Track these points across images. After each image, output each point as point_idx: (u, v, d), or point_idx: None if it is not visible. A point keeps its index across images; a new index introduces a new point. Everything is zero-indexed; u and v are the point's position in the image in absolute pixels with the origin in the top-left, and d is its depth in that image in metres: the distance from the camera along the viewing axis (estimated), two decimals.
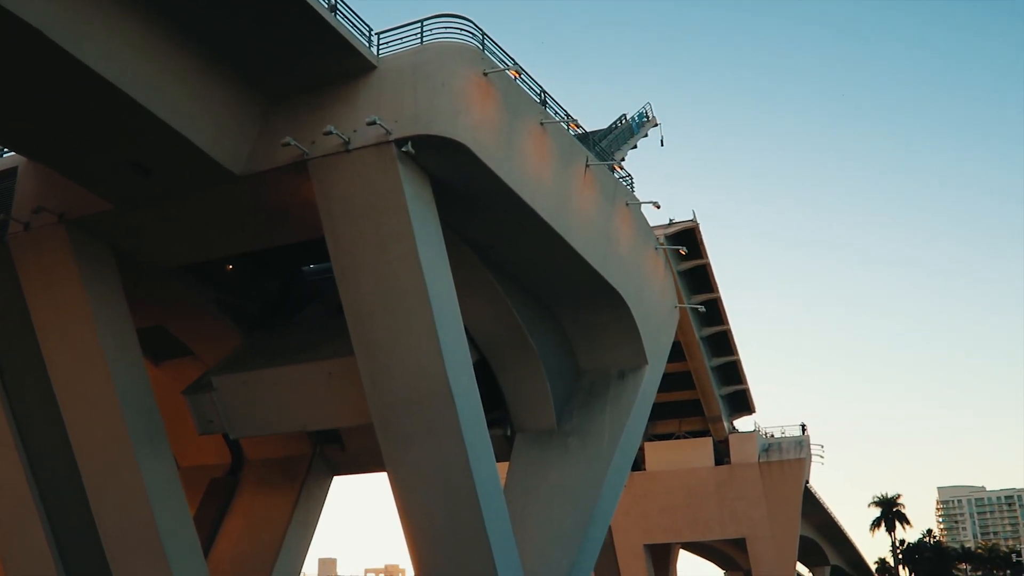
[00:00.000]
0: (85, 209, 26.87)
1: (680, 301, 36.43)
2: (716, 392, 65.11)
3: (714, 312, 61.21)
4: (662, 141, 46.45)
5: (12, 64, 20.71)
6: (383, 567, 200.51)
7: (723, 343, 64.94)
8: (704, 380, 63.79)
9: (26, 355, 28.68)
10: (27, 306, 28.32)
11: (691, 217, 57.22)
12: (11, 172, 28.56)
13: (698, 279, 60.89)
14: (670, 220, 56.21)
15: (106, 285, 28.23)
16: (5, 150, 28.98)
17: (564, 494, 31.03)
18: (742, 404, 70.05)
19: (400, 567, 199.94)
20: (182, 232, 28.09)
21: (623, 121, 45.94)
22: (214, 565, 33.41)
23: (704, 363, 62.38)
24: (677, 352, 52.78)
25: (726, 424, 67.79)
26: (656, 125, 49.09)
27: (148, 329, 32.01)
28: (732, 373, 67.48)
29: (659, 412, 56.92)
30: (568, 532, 30.30)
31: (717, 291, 61.02)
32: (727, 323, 63.31)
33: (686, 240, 55.45)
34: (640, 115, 48.79)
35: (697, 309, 35.69)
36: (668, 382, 51.73)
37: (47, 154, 25.44)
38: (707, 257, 59.81)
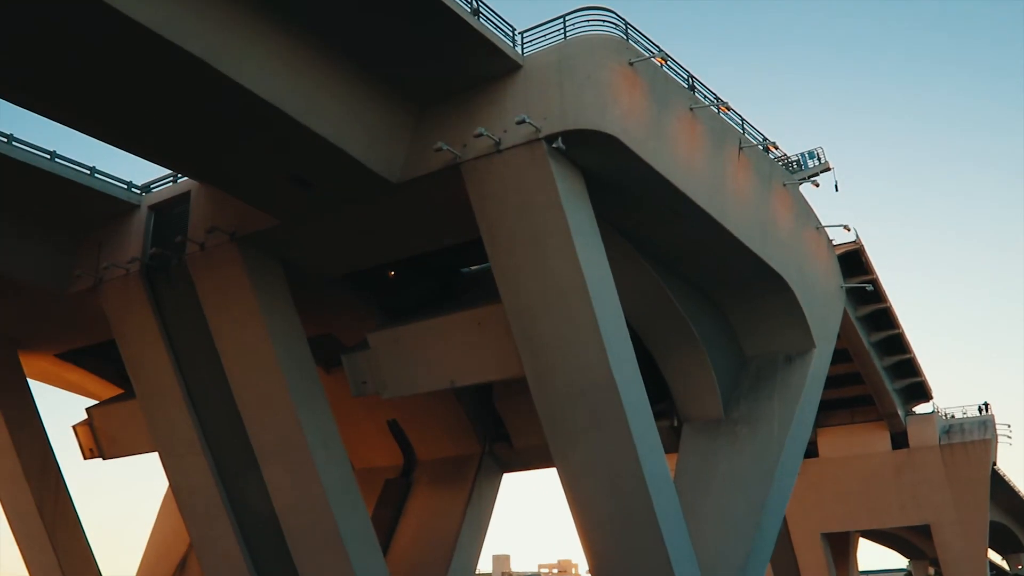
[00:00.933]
0: (254, 226, 28.11)
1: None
2: (889, 388, 62.28)
3: (884, 318, 58.32)
4: (836, 186, 41.33)
5: (180, 93, 21.85)
6: (556, 562, 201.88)
7: (896, 344, 61.70)
8: (876, 380, 60.97)
9: (208, 367, 30.25)
10: (206, 321, 29.85)
11: (853, 237, 53.49)
12: (185, 196, 30.21)
13: (868, 296, 57.35)
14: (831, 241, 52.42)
15: (277, 297, 29.45)
16: (180, 176, 30.61)
17: (736, 483, 30.44)
18: (919, 394, 66.70)
19: (573, 562, 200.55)
20: (344, 242, 29.02)
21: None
22: (392, 564, 34.42)
23: (875, 365, 59.43)
24: (843, 356, 50.88)
25: (903, 417, 64.92)
26: (829, 170, 44.24)
27: (318, 337, 33.21)
28: (906, 367, 64.20)
29: (829, 405, 54.71)
30: (742, 522, 29.69)
31: (887, 301, 57.81)
32: (899, 327, 59.85)
33: (851, 262, 53.12)
34: (809, 154, 44.04)
35: (864, 288, 34.27)
36: (836, 380, 49.86)
37: (216, 176, 26.74)
38: (875, 273, 56.82)
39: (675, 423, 32.51)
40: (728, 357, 32.15)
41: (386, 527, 36.30)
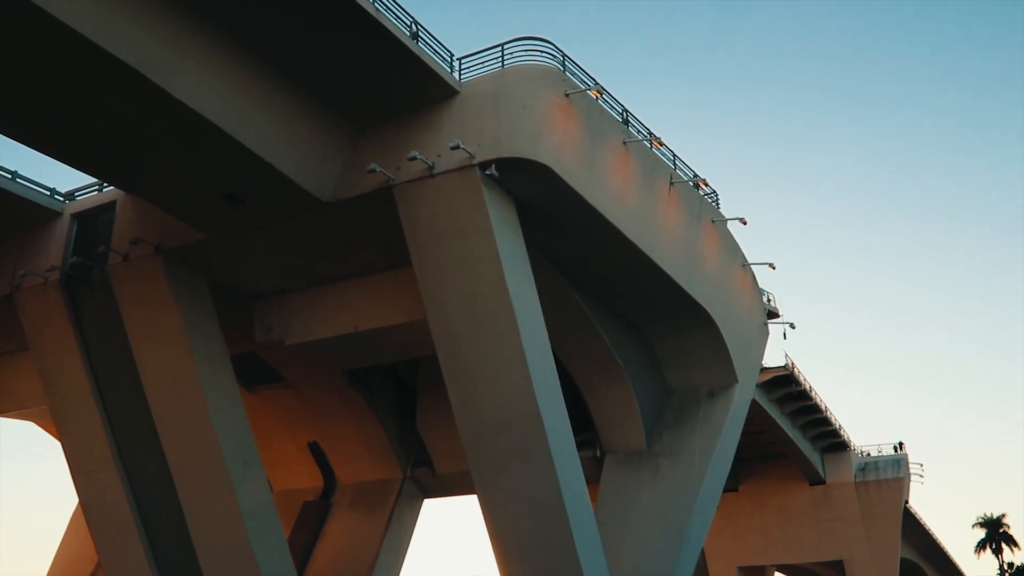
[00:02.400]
0: (180, 240, 27.67)
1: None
2: (807, 452, 63.17)
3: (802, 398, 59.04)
4: (784, 334, 41.57)
5: (110, 101, 21.47)
6: None
7: (811, 410, 62.20)
8: (793, 448, 61.88)
9: (126, 380, 29.58)
10: (127, 335, 29.21)
11: (784, 362, 54.49)
12: (110, 205, 29.61)
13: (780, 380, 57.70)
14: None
15: (201, 313, 28.98)
16: (105, 185, 29.99)
17: (656, 515, 30.67)
18: (837, 447, 67.62)
19: None
20: (273, 259, 28.69)
21: None
22: None
23: (790, 437, 60.12)
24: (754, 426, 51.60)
25: (820, 470, 66.00)
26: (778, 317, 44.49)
27: (241, 356, 32.72)
28: (823, 428, 64.79)
29: (746, 452, 54.62)
30: (661, 553, 29.90)
31: (806, 387, 58.31)
32: (815, 400, 60.26)
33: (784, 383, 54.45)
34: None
35: (789, 326, 35.01)
36: (753, 434, 50.25)
37: (143, 187, 26.30)
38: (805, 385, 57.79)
39: (598, 454, 32.68)
40: (652, 389, 32.45)
41: (303, 550, 35.77)
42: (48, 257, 30.17)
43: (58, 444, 32.77)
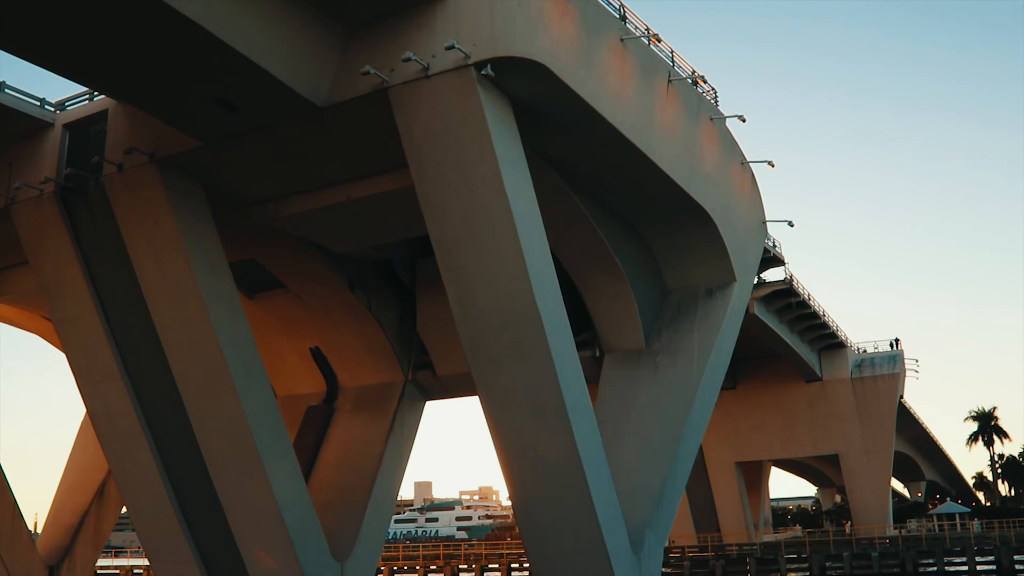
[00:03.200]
0: (175, 148, 27.39)
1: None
2: (804, 355, 63.60)
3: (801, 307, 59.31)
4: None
5: (97, 5, 21.02)
6: (477, 489, 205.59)
7: (808, 316, 62.43)
8: (791, 354, 62.22)
9: (127, 291, 29.64)
10: (125, 244, 29.16)
11: (783, 276, 54.59)
12: (102, 115, 29.25)
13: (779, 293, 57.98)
14: (760, 280, 53.86)
15: (199, 221, 28.86)
16: (96, 93, 29.58)
17: (655, 413, 31.13)
18: (835, 346, 68.20)
19: (494, 489, 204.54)
20: (269, 167, 28.45)
21: None
22: (314, 490, 34.51)
23: (787, 343, 60.41)
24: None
25: (817, 370, 66.56)
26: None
27: (240, 263, 32.75)
28: (821, 332, 65.18)
29: (743, 355, 55.19)
30: (660, 450, 30.44)
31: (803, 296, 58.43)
32: (812, 306, 60.44)
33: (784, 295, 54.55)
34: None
35: (788, 224, 34.94)
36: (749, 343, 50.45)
37: (135, 94, 25.86)
38: (804, 294, 57.90)
39: (596, 354, 32.99)
40: (650, 289, 32.62)
41: (308, 454, 36.33)
42: (42, 169, 29.94)
43: (63, 356, 33.01)
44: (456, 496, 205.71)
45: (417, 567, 51.96)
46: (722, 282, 32.61)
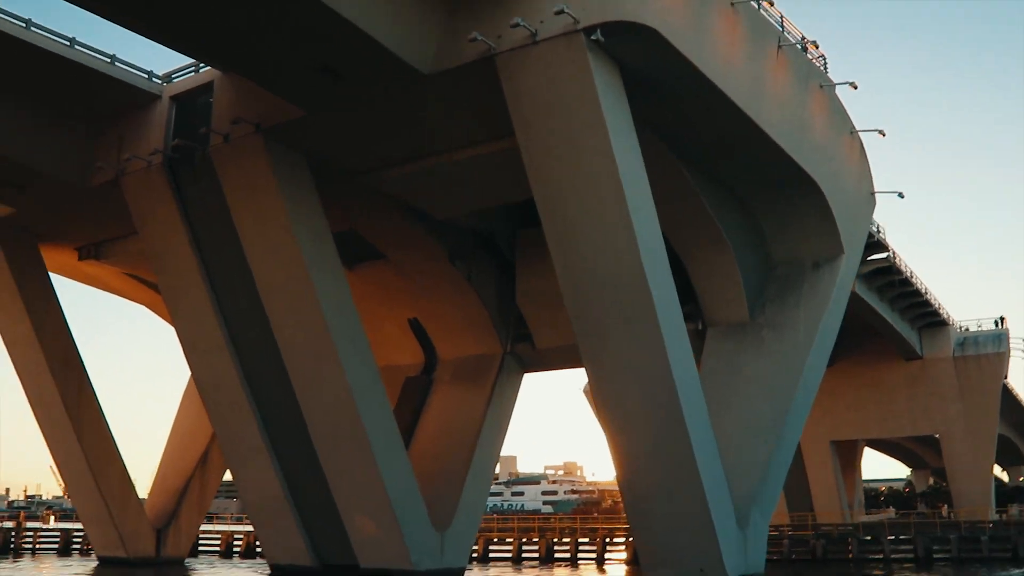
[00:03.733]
0: (279, 117, 27.54)
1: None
2: (905, 333, 61.69)
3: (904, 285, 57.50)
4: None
5: None
6: (562, 464, 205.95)
7: (909, 294, 60.51)
8: (890, 331, 60.35)
9: (232, 261, 30.04)
10: (230, 214, 29.51)
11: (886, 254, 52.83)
12: (208, 87, 29.56)
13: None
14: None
15: (302, 191, 29.04)
16: (201, 65, 29.88)
17: (760, 388, 30.46)
18: (936, 324, 66.03)
19: (578, 464, 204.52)
20: (373, 136, 28.41)
21: None
22: (413, 460, 34.63)
23: (888, 322, 58.63)
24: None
25: (918, 348, 64.53)
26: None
27: (340, 235, 32.85)
28: (923, 309, 63.19)
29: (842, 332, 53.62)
30: (765, 426, 29.79)
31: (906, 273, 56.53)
32: (916, 284, 58.56)
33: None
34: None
35: (898, 195, 33.66)
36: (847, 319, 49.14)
37: (241, 64, 26.03)
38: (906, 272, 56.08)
39: (700, 326, 32.39)
40: (755, 261, 31.88)
41: (407, 425, 36.52)
42: (150, 141, 30.44)
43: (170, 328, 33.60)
44: (541, 470, 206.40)
45: (509, 539, 52.04)
46: (829, 255, 31.66)
